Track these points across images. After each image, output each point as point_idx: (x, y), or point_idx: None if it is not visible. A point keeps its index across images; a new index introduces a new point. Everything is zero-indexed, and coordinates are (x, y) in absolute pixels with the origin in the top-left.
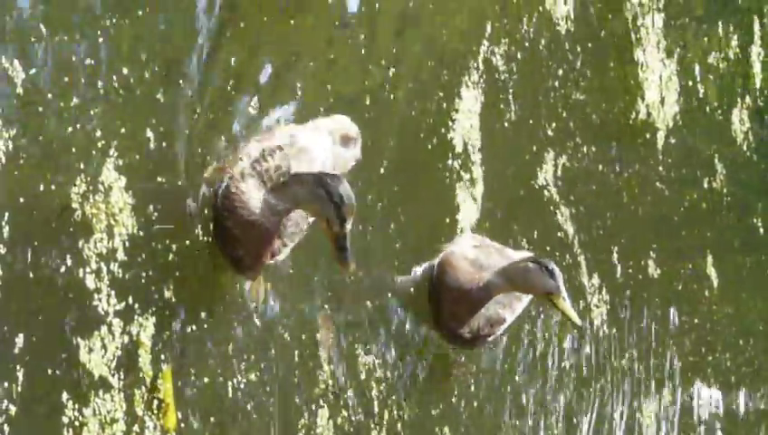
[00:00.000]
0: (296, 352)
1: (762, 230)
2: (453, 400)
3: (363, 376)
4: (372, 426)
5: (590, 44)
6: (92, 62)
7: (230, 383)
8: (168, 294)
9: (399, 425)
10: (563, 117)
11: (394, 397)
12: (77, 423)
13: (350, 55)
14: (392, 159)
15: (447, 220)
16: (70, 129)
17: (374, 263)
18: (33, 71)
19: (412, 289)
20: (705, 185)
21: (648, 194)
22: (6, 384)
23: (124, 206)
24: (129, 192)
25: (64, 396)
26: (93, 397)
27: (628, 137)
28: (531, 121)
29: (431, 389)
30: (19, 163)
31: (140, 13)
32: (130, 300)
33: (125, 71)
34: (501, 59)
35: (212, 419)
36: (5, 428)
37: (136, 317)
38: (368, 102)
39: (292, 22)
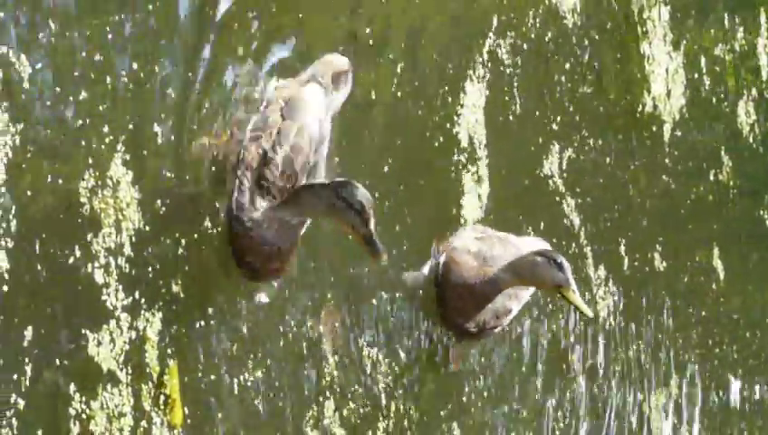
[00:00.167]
0: (304, 345)
1: None
2: (459, 394)
3: (369, 369)
4: (380, 418)
5: (596, 37)
6: (101, 57)
7: (236, 380)
8: (175, 289)
9: (406, 420)
10: (570, 110)
11: (401, 391)
12: (84, 416)
13: (357, 50)
14: (397, 158)
15: (453, 212)
16: (77, 124)
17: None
18: (39, 65)
19: (419, 286)
20: (712, 177)
21: (654, 186)
22: (15, 376)
23: (131, 201)
24: (136, 187)
25: (72, 388)
26: (101, 390)
27: (635, 130)
28: (537, 114)
29: (437, 383)
30: (27, 157)
31: (151, 7)
32: (137, 295)
33: (134, 66)
34: (507, 53)
35: (219, 415)
36: (14, 422)
37: (143, 312)
38: (373, 97)
39: (300, 16)
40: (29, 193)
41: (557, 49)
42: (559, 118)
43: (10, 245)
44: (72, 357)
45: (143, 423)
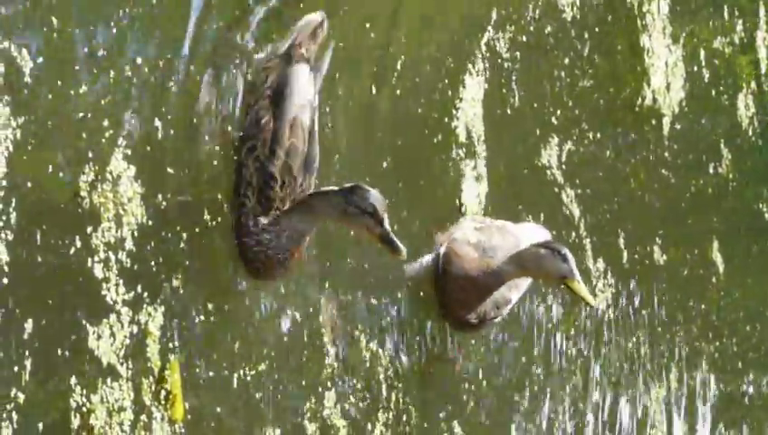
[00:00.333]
0: (304, 337)
1: (767, 216)
2: (458, 386)
3: (369, 361)
4: (381, 410)
5: (596, 29)
6: (103, 51)
7: (237, 374)
8: (176, 283)
9: (405, 415)
10: (569, 104)
11: (401, 385)
12: (84, 410)
13: (354, 42)
14: (395, 155)
15: (453, 206)
16: (78, 117)
17: (382, 256)
18: (40, 59)
19: (419, 277)
20: (711, 170)
21: (654, 180)
22: (16, 369)
23: (133, 195)
24: (138, 181)
25: (72, 381)
26: (101, 384)
27: (635, 123)
28: (536, 107)
29: (437, 374)
30: (27, 150)
31: (154, 1)
32: (139, 289)
33: (137, 60)
34: (505, 46)
35: (218, 409)
36: (14, 415)
37: (144, 307)
38: (373, 92)
39: (301, 5)
40: (29, 186)
41: (556, 43)
42: (558, 111)
43: (10, 237)
44: (72, 350)
45: (143, 418)
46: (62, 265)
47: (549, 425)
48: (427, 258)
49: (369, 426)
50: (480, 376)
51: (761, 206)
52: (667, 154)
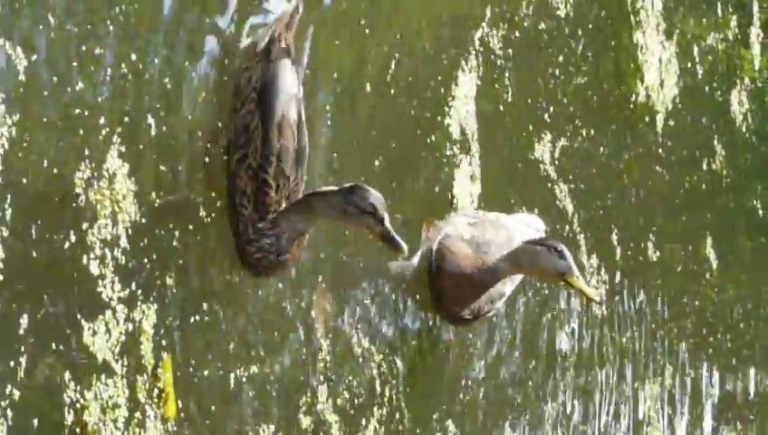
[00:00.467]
0: (299, 332)
1: (761, 212)
2: (453, 381)
3: (362, 357)
4: (375, 404)
5: (590, 26)
6: (99, 49)
7: (231, 374)
8: (170, 281)
9: (398, 412)
10: (563, 101)
11: (394, 382)
12: (78, 406)
13: (349, 39)
14: (387, 156)
15: (445, 201)
16: (74, 114)
17: (374, 251)
18: (35, 57)
19: (405, 275)
20: (705, 167)
21: (647, 176)
22: (12, 364)
23: (128, 193)
24: (132, 179)
25: (66, 376)
26: (95, 381)
27: (628, 119)
28: (529, 102)
29: (431, 370)
30: (23, 146)
31: None
32: (133, 286)
33: (132, 57)
34: (499, 43)
35: (212, 407)
36: (8, 412)
37: (139, 304)
38: (368, 90)
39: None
40: (24, 182)
41: (550, 39)
42: (552, 108)
43: (5, 233)
44: (66, 346)
45: (137, 415)
46: (57, 260)
47: (542, 422)
48: (414, 257)
49: (364, 421)
50: (475, 373)
51: (755, 202)
52: (660, 150)
